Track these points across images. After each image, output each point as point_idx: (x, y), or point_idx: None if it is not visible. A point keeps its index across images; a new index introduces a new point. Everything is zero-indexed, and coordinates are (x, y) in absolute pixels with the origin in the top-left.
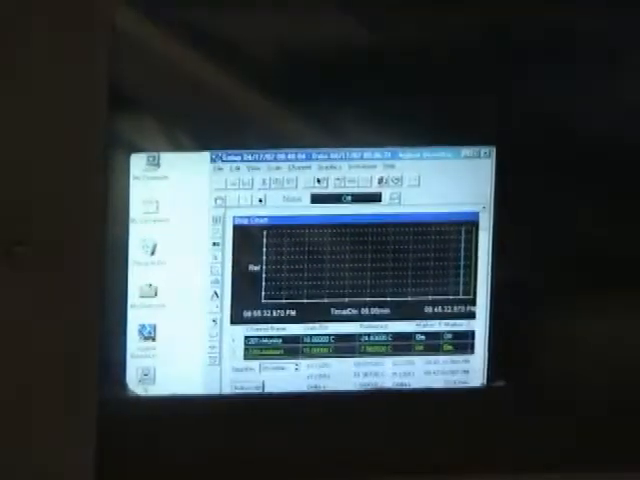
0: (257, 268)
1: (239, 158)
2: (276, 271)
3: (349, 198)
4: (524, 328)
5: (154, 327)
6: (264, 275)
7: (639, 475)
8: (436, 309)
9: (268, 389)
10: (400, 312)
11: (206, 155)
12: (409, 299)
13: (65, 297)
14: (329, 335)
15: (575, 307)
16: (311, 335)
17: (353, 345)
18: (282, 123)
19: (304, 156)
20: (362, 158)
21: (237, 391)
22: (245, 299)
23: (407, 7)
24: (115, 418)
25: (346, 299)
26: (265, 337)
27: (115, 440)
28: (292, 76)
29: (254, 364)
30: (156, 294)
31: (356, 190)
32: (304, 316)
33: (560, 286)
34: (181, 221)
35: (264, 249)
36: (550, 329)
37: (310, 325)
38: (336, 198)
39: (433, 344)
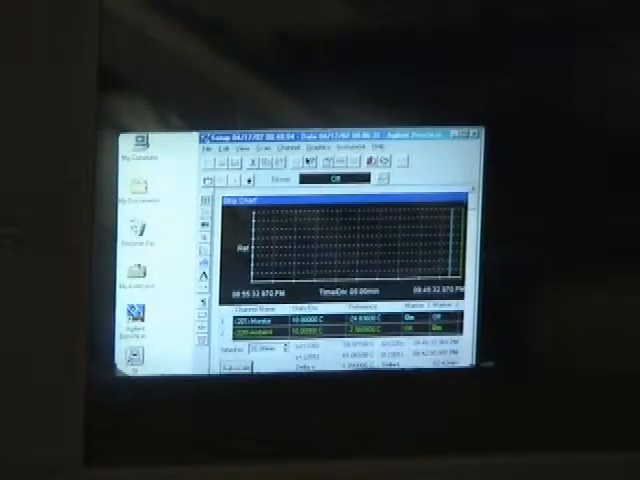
0: (246, 248)
1: (228, 138)
2: (265, 251)
3: (338, 178)
4: (513, 308)
5: (143, 307)
6: (253, 255)
7: (628, 455)
8: (425, 289)
9: (257, 369)
10: (389, 292)
11: (195, 135)
12: (398, 279)
13: (53, 278)
14: (318, 315)
15: (564, 287)
16: (300, 315)
17: (342, 325)
18: (271, 103)
19: (293, 136)
20: (351, 138)
21: (226, 371)
22: (234, 279)
23: None
24: (104, 398)
25: (335, 279)
26: (254, 317)
27: (104, 420)
28: (281, 56)
29: (243, 344)
30: (145, 274)
31: (345, 170)
32: (293, 296)
33: (549, 266)
34: (170, 201)
35: (253, 229)
36: (539, 309)
37: (299, 305)
38: (325, 178)
39: (422, 324)
